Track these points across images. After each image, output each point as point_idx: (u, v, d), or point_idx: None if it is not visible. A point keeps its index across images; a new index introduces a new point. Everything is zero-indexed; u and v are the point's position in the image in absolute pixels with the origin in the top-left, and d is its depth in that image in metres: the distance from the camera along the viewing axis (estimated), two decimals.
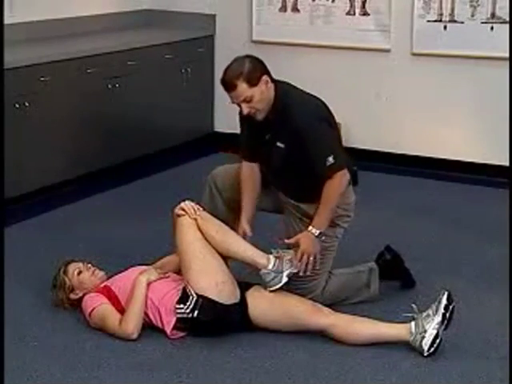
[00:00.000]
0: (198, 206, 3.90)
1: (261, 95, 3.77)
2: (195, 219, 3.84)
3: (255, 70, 3.78)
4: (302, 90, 3.94)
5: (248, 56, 3.85)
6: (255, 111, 3.80)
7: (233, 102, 3.83)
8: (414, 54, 6.14)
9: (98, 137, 5.90)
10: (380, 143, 6.39)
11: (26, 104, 5.26)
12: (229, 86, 3.76)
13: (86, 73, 5.69)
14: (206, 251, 3.80)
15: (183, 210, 3.86)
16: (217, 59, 6.80)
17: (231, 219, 4.08)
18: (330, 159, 3.76)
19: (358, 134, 6.26)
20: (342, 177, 3.82)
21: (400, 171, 6.18)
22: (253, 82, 3.74)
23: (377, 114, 6.37)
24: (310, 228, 3.83)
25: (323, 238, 3.86)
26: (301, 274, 3.83)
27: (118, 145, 6.04)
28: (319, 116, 3.84)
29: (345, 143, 4.33)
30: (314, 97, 3.93)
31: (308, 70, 6.44)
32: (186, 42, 6.58)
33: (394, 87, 6.29)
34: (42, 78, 5.36)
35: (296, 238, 3.85)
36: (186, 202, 3.90)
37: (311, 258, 3.82)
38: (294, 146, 3.80)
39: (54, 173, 5.60)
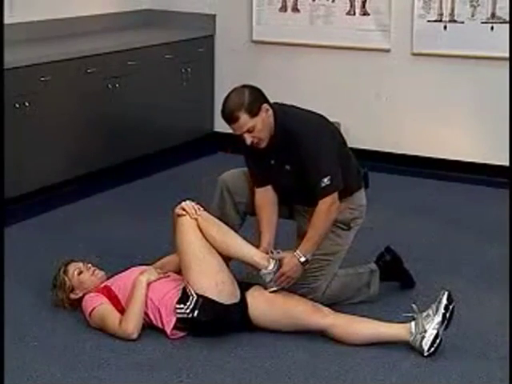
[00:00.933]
0: (198, 205, 3.90)
1: (262, 124, 3.76)
2: (196, 219, 3.84)
3: (255, 99, 3.76)
4: (299, 108, 3.94)
5: (246, 86, 3.83)
6: (258, 140, 3.79)
7: (234, 133, 3.82)
8: (414, 54, 6.13)
9: (98, 137, 5.90)
10: (380, 143, 6.38)
11: (26, 104, 5.26)
12: (231, 118, 3.74)
13: (86, 73, 5.68)
14: (206, 251, 3.80)
15: (184, 209, 3.85)
16: (217, 59, 6.80)
17: (239, 224, 4.10)
18: (325, 180, 3.75)
19: (357, 134, 6.25)
20: (332, 204, 3.79)
21: (400, 171, 6.18)
22: (254, 112, 3.73)
23: (377, 114, 6.37)
24: (297, 252, 3.81)
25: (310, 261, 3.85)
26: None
27: (118, 145, 6.04)
28: (320, 133, 3.83)
29: None
30: (313, 113, 3.93)
31: (308, 70, 6.45)
32: (186, 41, 6.57)
33: (394, 87, 6.28)
34: (42, 78, 5.36)
35: (281, 256, 3.82)
36: (187, 201, 3.89)
37: (290, 282, 3.81)
38: (300, 165, 3.81)
39: (54, 173, 5.60)
